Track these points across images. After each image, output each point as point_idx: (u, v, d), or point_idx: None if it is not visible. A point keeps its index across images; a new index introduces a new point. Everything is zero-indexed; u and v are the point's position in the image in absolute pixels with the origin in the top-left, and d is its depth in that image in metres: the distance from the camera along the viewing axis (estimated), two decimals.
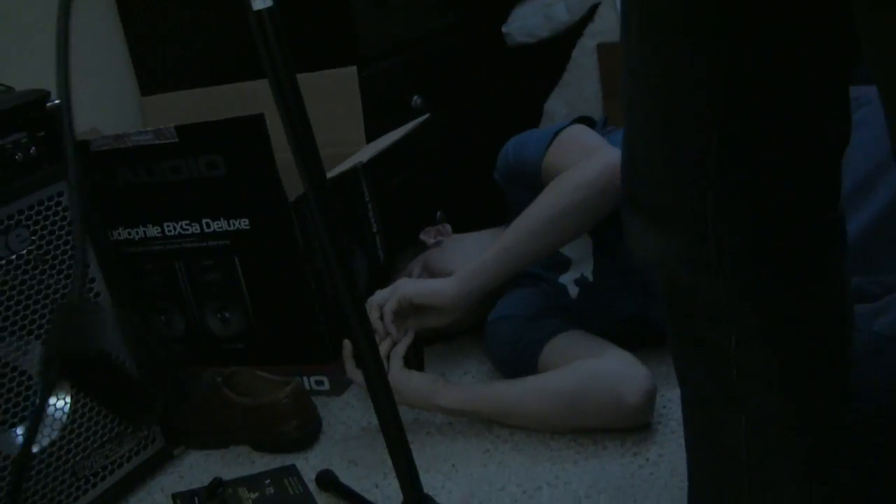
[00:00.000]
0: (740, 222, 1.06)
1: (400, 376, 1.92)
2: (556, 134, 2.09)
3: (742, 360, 1.10)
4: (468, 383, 2.17)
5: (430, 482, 1.80)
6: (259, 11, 1.16)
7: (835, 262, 1.12)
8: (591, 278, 2.12)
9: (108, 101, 2.57)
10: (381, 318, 1.97)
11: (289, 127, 1.20)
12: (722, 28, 0.98)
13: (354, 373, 1.96)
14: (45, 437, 1.79)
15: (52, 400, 1.81)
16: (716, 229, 1.06)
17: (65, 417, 1.82)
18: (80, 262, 0.82)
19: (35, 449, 1.76)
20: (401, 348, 1.96)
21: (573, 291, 2.15)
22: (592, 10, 2.74)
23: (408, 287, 1.97)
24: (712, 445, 1.20)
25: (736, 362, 1.10)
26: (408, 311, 1.98)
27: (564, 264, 2.18)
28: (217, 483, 1.82)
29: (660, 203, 1.09)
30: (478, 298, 1.98)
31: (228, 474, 1.91)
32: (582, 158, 1.96)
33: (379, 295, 1.99)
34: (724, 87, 1.00)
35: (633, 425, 1.86)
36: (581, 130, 2.11)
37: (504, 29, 2.84)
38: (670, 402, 1.93)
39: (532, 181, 2.10)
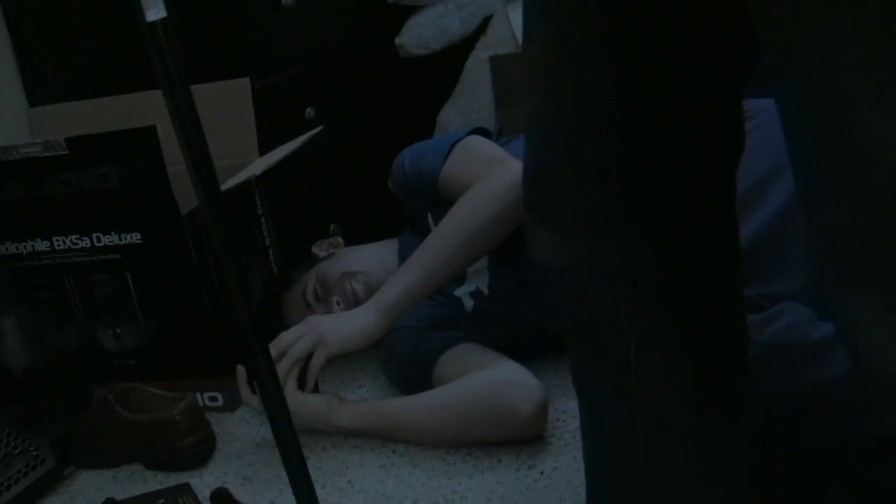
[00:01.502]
0: (641, 228, 1.07)
1: (294, 398, 1.90)
2: (454, 144, 2.09)
3: (641, 368, 1.11)
4: (363, 397, 2.16)
5: (326, 498, 1.79)
6: (153, 22, 1.14)
7: (731, 268, 1.14)
8: (486, 291, 2.13)
9: None
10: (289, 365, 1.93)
11: (183, 139, 1.18)
12: (633, 36, 0.99)
13: (249, 397, 1.94)
14: None
15: None
16: (618, 235, 1.06)
17: None
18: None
19: None
20: (295, 370, 1.94)
21: (468, 304, 2.15)
22: (485, 22, 2.75)
23: (335, 341, 1.92)
24: (610, 455, 1.20)
25: (635, 371, 1.11)
26: None
27: (460, 277, 2.18)
28: (110, 503, 1.78)
29: (563, 209, 1.09)
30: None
31: (121, 494, 1.88)
32: (484, 169, 1.97)
33: (296, 343, 1.92)
34: (629, 92, 1.01)
35: (527, 437, 1.86)
36: (480, 141, 2.11)
37: (398, 40, 2.83)
38: (564, 413, 1.93)
39: (429, 191, 2.10)
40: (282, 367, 1.90)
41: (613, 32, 1.00)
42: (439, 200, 2.10)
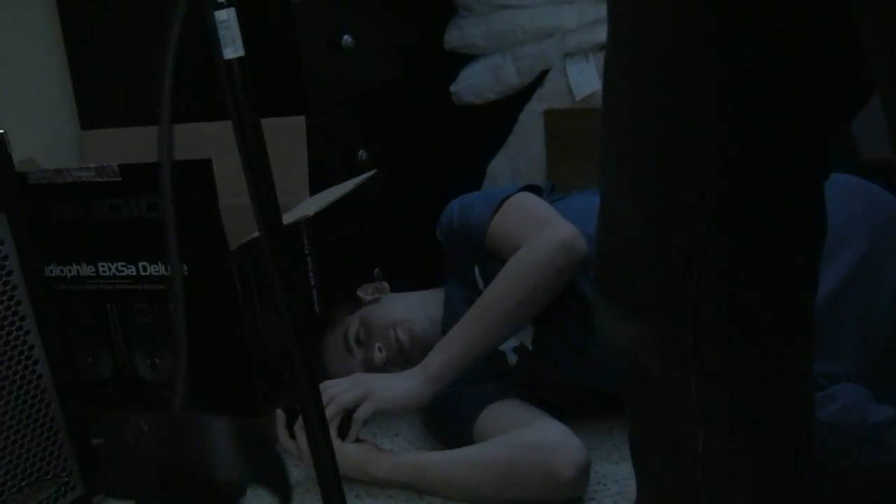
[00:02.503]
0: (721, 314, 1.04)
1: (333, 445, 1.88)
2: (504, 200, 2.07)
3: (709, 455, 1.08)
4: (399, 445, 2.13)
5: None
6: (230, 60, 1.13)
7: (808, 359, 1.11)
8: (530, 347, 2.10)
9: (46, 133, 2.51)
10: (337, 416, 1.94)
11: (250, 174, 1.18)
12: (720, 114, 0.96)
13: (287, 441, 1.92)
14: None
15: None
16: (696, 322, 1.04)
17: None
18: (181, 365, 0.76)
19: None
20: (337, 418, 1.93)
21: (512, 359, 2.12)
22: (542, 75, 2.74)
23: (382, 398, 1.94)
24: None
25: (702, 457, 1.08)
26: None
27: None
28: None
29: (636, 290, 1.07)
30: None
31: None
32: (532, 229, 1.96)
33: (344, 394, 1.94)
34: (718, 177, 0.98)
35: (566, 499, 1.83)
36: (529, 199, 2.09)
37: (452, 88, 2.83)
38: (605, 477, 1.90)
39: (476, 244, 2.08)
40: (327, 413, 1.88)
41: (701, 115, 0.97)
42: (486, 254, 2.09)
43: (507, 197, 2.09)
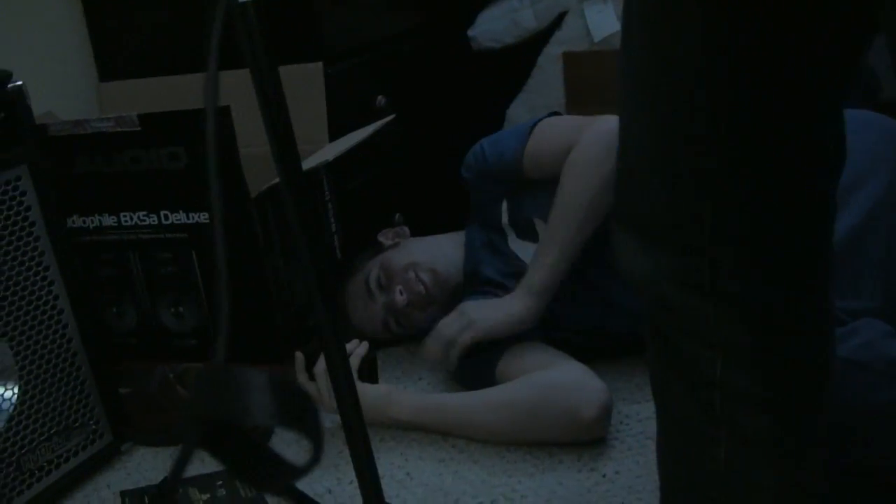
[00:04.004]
0: (737, 243, 1.04)
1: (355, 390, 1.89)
2: (534, 126, 2.09)
3: (727, 382, 1.09)
4: (423, 389, 2.15)
5: (385, 490, 1.76)
6: (244, 3, 1.13)
7: (825, 286, 1.11)
8: None
9: (64, 85, 2.52)
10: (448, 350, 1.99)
11: (269, 121, 1.17)
12: (730, 43, 0.96)
13: (307, 384, 1.94)
14: None
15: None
16: (711, 248, 1.04)
17: (11, 409, 1.77)
18: (224, 321, 0.77)
19: None
20: (355, 361, 1.94)
21: None
22: (560, 18, 2.72)
23: (483, 325, 1.97)
24: (689, 463, 1.18)
25: (720, 384, 1.09)
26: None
27: (525, 272, 2.16)
28: (171, 483, 1.78)
29: (654, 219, 1.07)
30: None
31: None
32: (573, 134, 2.00)
33: (449, 327, 1.99)
34: (730, 102, 0.99)
35: (589, 439, 1.84)
36: (559, 118, 2.13)
37: (470, 33, 2.82)
38: (627, 417, 1.91)
39: (510, 175, 2.11)
40: (430, 345, 1.99)
41: (710, 39, 0.97)
42: (521, 183, 2.12)
43: (536, 123, 2.11)
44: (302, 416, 0.74)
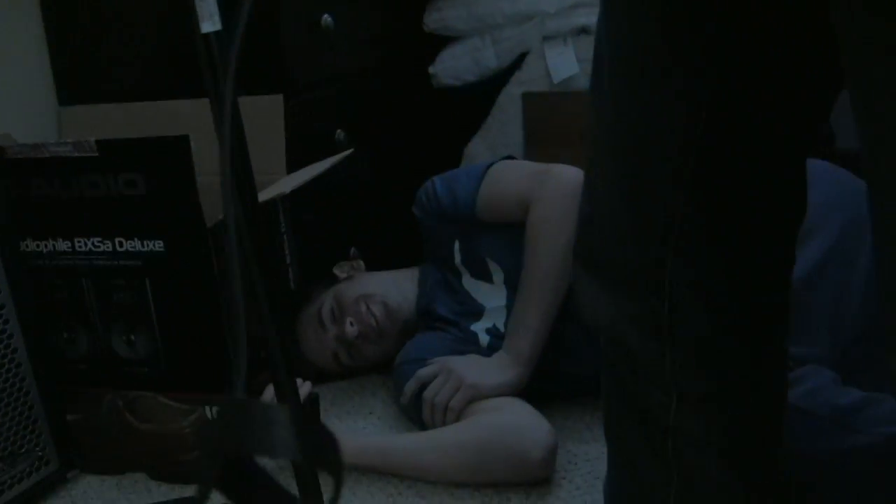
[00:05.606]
0: (696, 289, 1.05)
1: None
2: (488, 167, 2.10)
3: (680, 427, 1.10)
4: (374, 424, 2.14)
5: None
6: (207, 34, 1.13)
7: (781, 335, 1.13)
8: (502, 329, 2.11)
9: (23, 108, 2.50)
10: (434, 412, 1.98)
11: (227, 152, 1.17)
12: (705, 93, 0.98)
13: None
14: None
15: None
16: (671, 294, 1.05)
17: None
18: (241, 354, 0.76)
19: None
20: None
21: (484, 340, 2.13)
22: (521, 58, 2.74)
23: (476, 391, 1.95)
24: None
25: (673, 429, 1.10)
26: None
27: (478, 312, 2.17)
28: None
29: (617, 263, 1.08)
30: None
31: (124, 502, 1.86)
32: (532, 182, 2.02)
33: (440, 392, 1.97)
34: (698, 151, 1.00)
35: (535, 480, 1.84)
36: (514, 161, 2.14)
37: (431, 70, 2.83)
38: (576, 457, 1.92)
39: (462, 216, 2.11)
40: (429, 417, 1.98)
41: (684, 91, 0.99)
42: (473, 224, 2.12)
43: (490, 165, 2.13)
44: (323, 452, 0.74)
